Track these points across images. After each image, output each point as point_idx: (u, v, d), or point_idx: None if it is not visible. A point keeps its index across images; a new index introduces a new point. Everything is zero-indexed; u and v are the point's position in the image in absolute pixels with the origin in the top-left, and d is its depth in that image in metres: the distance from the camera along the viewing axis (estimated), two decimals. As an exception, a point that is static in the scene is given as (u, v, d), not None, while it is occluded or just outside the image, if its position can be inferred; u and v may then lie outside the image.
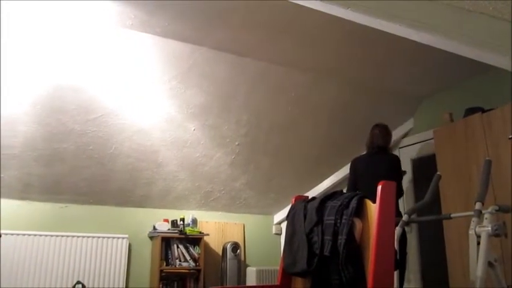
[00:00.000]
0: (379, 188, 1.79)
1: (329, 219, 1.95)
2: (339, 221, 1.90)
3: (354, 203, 1.90)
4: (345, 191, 3.41)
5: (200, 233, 4.90)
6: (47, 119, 3.60)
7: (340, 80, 4.00)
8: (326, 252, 1.89)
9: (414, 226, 4.47)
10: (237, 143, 4.36)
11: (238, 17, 3.03)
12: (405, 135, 4.86)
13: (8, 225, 4.11)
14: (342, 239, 1.85)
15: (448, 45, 2.35)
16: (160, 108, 3.81)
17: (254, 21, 3.09)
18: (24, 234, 4.16)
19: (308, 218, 2.06)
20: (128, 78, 3.49)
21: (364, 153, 3.92)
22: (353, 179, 3.79)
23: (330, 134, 4.59)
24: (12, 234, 4.08)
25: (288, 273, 2.13)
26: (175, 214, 4.92)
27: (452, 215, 2.82)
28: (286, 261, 2.11)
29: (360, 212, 1.91)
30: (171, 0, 2.82)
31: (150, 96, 3.69)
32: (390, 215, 1.81)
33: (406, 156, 4.78)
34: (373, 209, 1.84)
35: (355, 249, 1.85)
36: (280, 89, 3.93)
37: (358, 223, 1.88)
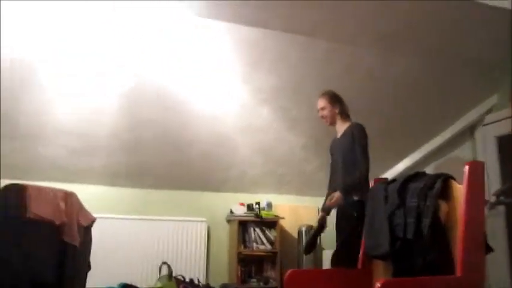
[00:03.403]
0: (467, 167, 1.71)
1: (412, 201, 1.90)
2: (422, 203, 1.85)
3: (438, 184, 1.83)
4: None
5: (276, 216, 4.96)
6: (128, 109, 3.80)
7: (415, 54, 3.78)
8: (409, 235, 1.84)
9: (502, 209, 4.20)
10: (309, 125, 4.33)
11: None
12: (489, 111, 4.56)
13: (99, 209, 4.41)
14: (426, 221, 1.80)
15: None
16: (233, 94, 3.89)
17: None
18: (113, 218, 4.47)
19: (389, 201, 2.02)
20: (202, 66, 3.58)
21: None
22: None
23: (407, 112, 4.40)
24: (101, 218, 4.37)
25: (369, 256, 2.11)
26: (250, 198, 5.02)
27: (547, 196, 2.63)
28: (367, 243, 2.09)
29: (445, 193, 1.84)
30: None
31: (223, 83, 3.77)
32: (479, 196, 1.72)
33: (490, 134, 4.48)
34: (459, 190, 1.76)
35: (440, 232, 1.79)
36: (351, 67, 3.81)
37: (443, 205, 1.82)
